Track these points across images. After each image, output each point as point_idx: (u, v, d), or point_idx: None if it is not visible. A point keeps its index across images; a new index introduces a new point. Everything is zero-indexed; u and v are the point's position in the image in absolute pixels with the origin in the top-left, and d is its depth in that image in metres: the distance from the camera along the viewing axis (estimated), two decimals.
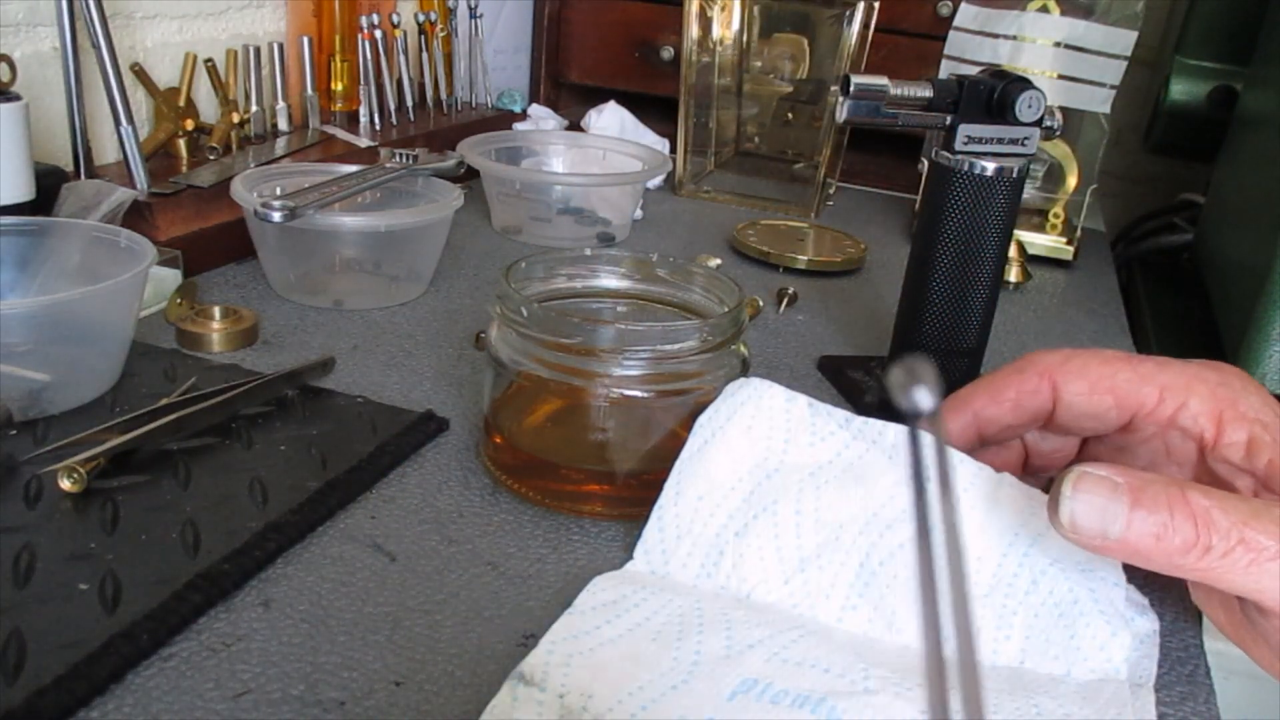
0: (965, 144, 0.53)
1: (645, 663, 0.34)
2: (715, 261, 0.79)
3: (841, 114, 0.54)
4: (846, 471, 0.40)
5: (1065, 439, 0.43)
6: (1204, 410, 0.37)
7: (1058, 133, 0.55)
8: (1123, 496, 0.31)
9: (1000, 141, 0.53)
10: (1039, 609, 0.37)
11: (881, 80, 0.53)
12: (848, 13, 0.92)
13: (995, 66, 0.80)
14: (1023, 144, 0.53)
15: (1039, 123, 0.53)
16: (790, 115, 1.07)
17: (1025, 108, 0.52)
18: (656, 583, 0.39)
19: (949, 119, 0.54)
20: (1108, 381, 0.38)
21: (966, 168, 0.53)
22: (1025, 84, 0.52)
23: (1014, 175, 0.53)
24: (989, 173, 0.53)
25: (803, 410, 0.41)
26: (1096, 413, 0.38)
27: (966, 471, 0.38)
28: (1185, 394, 0.37)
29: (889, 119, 0.54)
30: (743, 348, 0.46)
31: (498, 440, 0.46)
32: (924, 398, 0.15)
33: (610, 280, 0.51)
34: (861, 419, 0.41)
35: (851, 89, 0.53)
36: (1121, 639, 0.37)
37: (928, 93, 0.53)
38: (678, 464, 0.41)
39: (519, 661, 0.35)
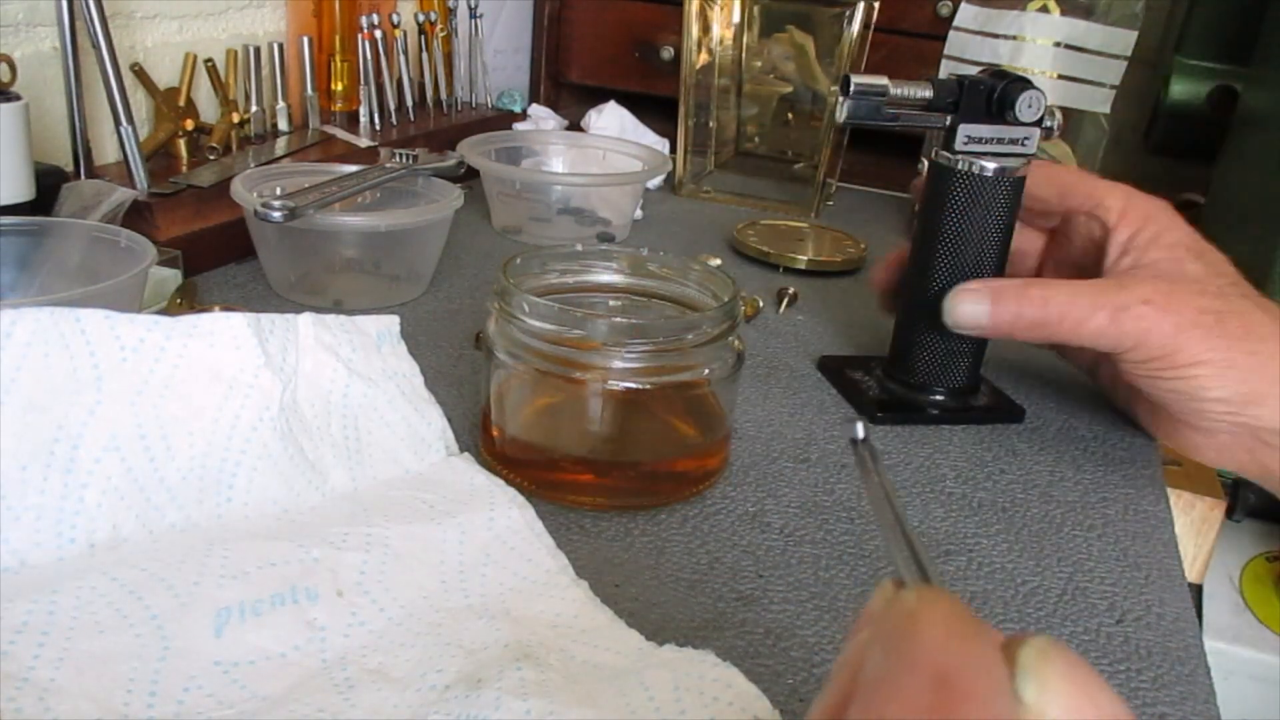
0: (965, 144, 0.53)
1: (116, 655, 0.31)
2: (715, 261, 0.79)
3: (841, 114, 0.54)
4: (174, 373, 0.38)
5: (1037, 234, 0.59)
6: (1115, 206, 0.52)
7: (1058, 133, 0.55)
8: (985, 298, 0.50)
9: (1000, 141, 0.53)
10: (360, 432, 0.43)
11: (881, 80, 0.53)
12: (848, 13, 0.92)
13: (995, 66, 0.80)
14: (1023, 144, 0.53)
15: (1039, 123, 0.53)
16: (790, 115, 1.07)
17: (1025, 108, 0.52)
18: (33, 580, 0.33)
19: (949, 119, 0.54)
20: (1059, 178, 0.56)
21: (966, 168, 0.53)
22: (1025, 84, 0.52)
23: (1014, 175, 0.53)
24: (989, 173, 0.53)
25: (99, 323, 0.37)
26: (1046, 197, 0.56)
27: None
28: (1105, 194, 0.53)
29: (889, 119, 0.54)
30: (737, 341, 0.46)
31: (495, 433, 0.46)
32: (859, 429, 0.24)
33: (605, 275, 0.51)
34: (170, 319, 0.39)
35: (851, 89, 0.53)
36: (431, 419, 0.45)
37: (928, 93, 0.53)
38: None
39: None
